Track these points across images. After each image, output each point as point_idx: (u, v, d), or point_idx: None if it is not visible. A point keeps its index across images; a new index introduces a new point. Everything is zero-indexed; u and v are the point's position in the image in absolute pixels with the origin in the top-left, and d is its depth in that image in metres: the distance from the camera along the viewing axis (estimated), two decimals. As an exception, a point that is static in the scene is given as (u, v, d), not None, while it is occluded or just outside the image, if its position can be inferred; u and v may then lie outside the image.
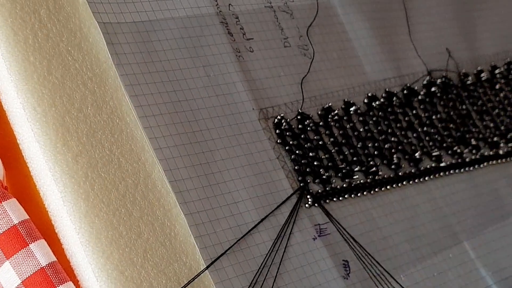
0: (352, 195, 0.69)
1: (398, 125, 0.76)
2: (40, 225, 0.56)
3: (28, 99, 0.56)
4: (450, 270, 0.71)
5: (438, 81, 0.82)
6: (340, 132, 0.71)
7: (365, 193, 0.70)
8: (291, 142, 0.67)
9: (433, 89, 0.81)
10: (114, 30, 0.61)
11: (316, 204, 0.66)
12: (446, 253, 0.72)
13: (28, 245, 0.54)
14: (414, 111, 0.78)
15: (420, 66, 0.82)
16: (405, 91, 0.79)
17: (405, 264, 0.69)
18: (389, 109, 0.76)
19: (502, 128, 0.85)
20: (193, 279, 0.57)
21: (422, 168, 0.75)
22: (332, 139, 0.70)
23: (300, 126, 0.69)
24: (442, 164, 0.77)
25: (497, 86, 0.88)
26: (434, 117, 0.79)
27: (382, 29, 0.81)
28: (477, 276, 0.73)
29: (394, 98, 0.77)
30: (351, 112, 0.73)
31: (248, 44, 0.69)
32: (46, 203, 0.56)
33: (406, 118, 0.77)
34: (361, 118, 0.74)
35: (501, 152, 0.83)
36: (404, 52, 0.82)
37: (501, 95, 0.87)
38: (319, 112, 0.71)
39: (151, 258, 0.56)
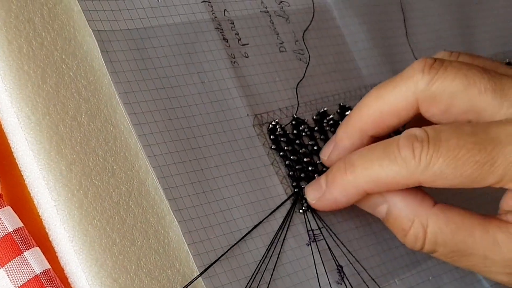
0: (347, 200, 0.69)
1: (394, 128, 0.76)
2: (34, 233, 0.56)
3: (22, 108, 0.57)
4: (445, 273, 0.71)
5: (435, 83, 0.82)
6: (336, 136, 0.71)
7: (360, 197, 0.70)
8: (285, 148, 0.67)
9: (430, 92, 0.81)
10: (109, 37, 0.62)
11: (310, 209, 0.66)
12: (441, 256, 0.72)
13: (23, 253, 0.54)
14: (410, 115, 0.78)
15: (417, 69, 0.82)
16: (401, 95, 0.79)
17: (400, 268, 0.69)
18: (385, 113, 0.76)
19: (500, 130, 0.85)
20: (187, 286, 0.57)
21: (418, 172, 0.75)
22: (327, 144, 0.71)
23: (295, 131, 0.69)
24: (438, 168, 0.77)
25: (495, 88, 0.88)
26: (430, 120, 0.80)
27: (379, 32, 0.81)
28: (472, 280, 0.73)
29: (390, 102, 0.77)
30: (347, 116, 0.73)
31: (243, 49, 0.69)
32: (40, 211, 0.57)
33: (402, 122, 0.77)
34: (356, 122, 0.74)
35: (498, 154, 0.83)
36: (401, 55, 0.82)
37: (499, 97, 0.87)
38: (314, 117, 0.71)
39: (144, 266, 0.56)
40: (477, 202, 0.77)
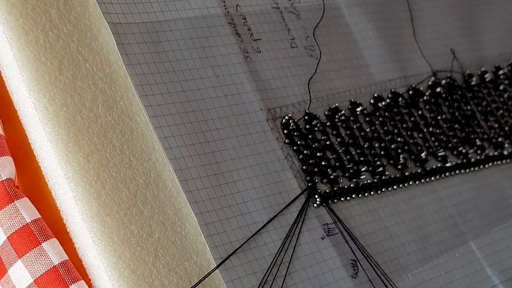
0: (359, 195, 0.69)
1: (404, 125, 0.76)
2: (51, 224, 0.56)
3: (39, 99, 0.57)
4: (456, 269, 0.72)
5: (443, 81, 0.83)
6: (347, 132, 0.72)
7: (372, 193, 0.70)
8: (298, 142, 0.67)
9: (438, 89, 0.81)
10: (124, 30, 0.62)
11: (324, 204, 0.66)
12: (452, 252, 0.72)
13: (41, 244, 0.54)
14: (419, 112, 0.79)
15: (425, 67, 0.83)
16: (410, 92, 0.79)
17: (412, 263, 0.69)
18: (395, 110, 0.77)
19: (506, 128, 0.85)
20: (204, 278, 0.57)
21: (428, 168, 0.76)
22: (339, 139, 0.71)
23: (307, 126, 0.69)
24: (448, 164, 0.77)
25: (501, 87, 0.88)
26: (439, 117, 0.80)
27: (388, 30, 0.81)
28: (483, 276, 0.73)
29: (400, 99, 0.78)
30: (358, 113, 0.74)
31: (255, 44, 0.69)
32: (58, 202, 0.57)
33: (412, 119, 0.78)
34: (367, 119, 0.74)
35: (505, 152, 0.83)
36: (409, 53, 0.82)
37: (505, 95, 0.88)
38: (326, 113, 0.71)
39: (162, 257, 0.56)
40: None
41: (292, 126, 0.68)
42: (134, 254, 0.55)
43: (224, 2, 0.69)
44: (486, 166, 0.81)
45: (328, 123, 0.71)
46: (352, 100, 0.74)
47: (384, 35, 0.81)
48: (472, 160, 0.80)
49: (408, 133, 0.76)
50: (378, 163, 0.72)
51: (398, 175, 0.73)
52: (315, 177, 0.67)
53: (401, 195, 0.73)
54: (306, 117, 0.69)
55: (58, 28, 0.59)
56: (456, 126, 0.81)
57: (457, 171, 0.78)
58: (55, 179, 0.56)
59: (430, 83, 0.82)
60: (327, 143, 0.69)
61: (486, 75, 0.87)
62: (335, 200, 0.67)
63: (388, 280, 0.66)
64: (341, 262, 0.64)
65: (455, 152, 0.79)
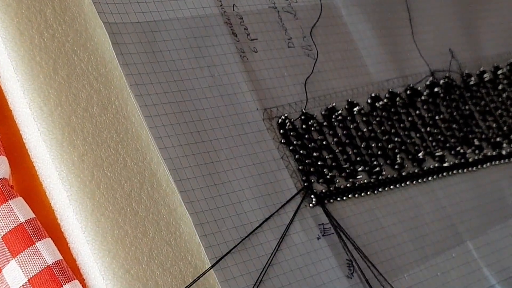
0: (356, 195, 0.69)
1: (402, 125, 0.76)
2: (46, 224, 0.56)
3: (34, 99, 0.57)
4: (453, 269, 0.71)
5: (441, 81, 0.82)
6: (344, 132, 0.72)
7: (368, 193, 0.70)
8: (295, 142, 0.67)
9: (436, 89, 0.81)
10: (120, 30, 0.62)
11: (319, 204, 0.66)
12: (449, 252, 0.72)
13: (35, 244, 0.54)
14: (417, 112, 0.78)
15: (423, 67, 0.82)
16: (408, 92, 0.79)
17: (409, 263, 0.69)
18: (392, 110, 0.77)
19: (505, 128, 0.85)
20: (198, 278, 0.57)
21: (425, 168, 0.76)
22: (335, 139, 0.71)
23: (304, 126, 0.69)
24: (445, 164, 0.77)
25: (500, 87, 0.88)
26: (437, 117, 0.80)
27: (385, 30, 0.81)
28: (480, 276, 0.73)
29: (398, 99, 0.77)
30: (355, 112, 0.74)
31: (252, 44, 0.69)
32: (52, 202, 0.57)
33: (410, 119, 0.77)
34: (364, 118, 0.74)
35: (503, 152, 0.83)
36: (407, 53, 0.82)
37: (504, 95, 0.88)
38: (322, 112, 0.71)
39: (156, 257, 0.56)
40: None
41: (289, 126, 0.68)
42: (128, 254, 0.55)
43: (220, 1, 0.69)
44: (484, 166, 0.81)
45: (324, 123, 0.71)
46: (349, 100, 0.74)
47: (382, 34, 0.81)
48: (470, 160, 0.80)
49: (406, 133, 0.76)
50: (375, 163, 0.72)
51: (395, 175, 0.73)
52: (311, 177, 0.67)
53: (398, 195, 0.72)
54: (302, 117, 0.69)
55: (53, 28, 0.59)
56: (454, 126, 0.81)
57: (454, 171, 0.78)
58: (49, 178, 0.56)
59: (428, 83, 0.81)
60: (324, 143, 0.69)
61: (485, 75, 0.87)
62: (331, 200, 0.67)
63: (383, 280, 0.66)
64: (337, 262, 0.64)
65: (452, 152, 0.79)
